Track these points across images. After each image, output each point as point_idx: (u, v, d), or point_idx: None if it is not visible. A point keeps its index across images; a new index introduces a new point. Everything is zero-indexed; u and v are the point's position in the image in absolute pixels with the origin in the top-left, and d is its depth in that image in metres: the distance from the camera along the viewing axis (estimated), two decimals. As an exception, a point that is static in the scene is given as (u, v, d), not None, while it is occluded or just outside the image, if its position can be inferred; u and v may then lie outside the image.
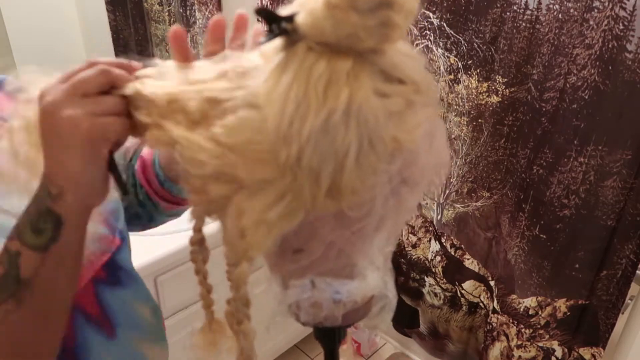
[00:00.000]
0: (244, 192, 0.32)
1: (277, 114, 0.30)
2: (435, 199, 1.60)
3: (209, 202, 0.35)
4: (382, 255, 0.40)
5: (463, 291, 1.65)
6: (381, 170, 0.32)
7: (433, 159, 0.36)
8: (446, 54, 1.41)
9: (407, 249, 1.76)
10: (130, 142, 0.43)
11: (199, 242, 0.41)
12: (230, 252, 0.35)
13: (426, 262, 1.73)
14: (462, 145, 1.47)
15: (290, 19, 0.31)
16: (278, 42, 0.32)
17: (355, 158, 0.31)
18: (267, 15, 0.31)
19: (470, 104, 1.40)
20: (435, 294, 1.74)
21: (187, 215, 0.40)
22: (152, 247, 1.39)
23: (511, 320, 1.49)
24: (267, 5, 1.67)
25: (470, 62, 1.37)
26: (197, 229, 0.41)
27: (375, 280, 0.41)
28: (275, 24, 0.31)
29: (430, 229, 1.67)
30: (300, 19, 0.31)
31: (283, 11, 0.32)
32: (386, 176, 0.33)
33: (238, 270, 0.35)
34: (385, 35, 0.31)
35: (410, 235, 1.73)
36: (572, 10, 1.13)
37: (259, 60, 0.33)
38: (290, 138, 0.30)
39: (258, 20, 0.32)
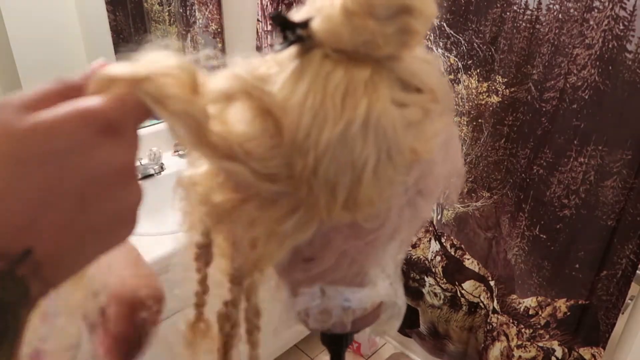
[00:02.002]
0: (254, 202, 0.32)
1: (292, 124, 0.29)
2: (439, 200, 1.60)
3: (215, 211, 0.34)
4: (393, 264, 0.40)
5: (463, 291, 1.66)
6: (398, 182, 0.32)
7: (448, 168, 0.35)
8: (446, 54, 1.41)
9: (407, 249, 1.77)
10: None
11: (205, 245, 0.40)
12: (240, 262, 0.35)
13: (426, 262, 1.73)
14: (462, 145, 1.47)
15: (305, 25, 0.30)
16: (292, 49, 0.31)
17: (373, 170, 0.30)
18: (281, 22, 0.30)
19: (470, 104, 1.40)
20: (435, 294, 1.74)
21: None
22: (152, 247, 1.38)
23: (511, 320, 1.50)
24: (267, 5, 1.67)
25: (470, 62, 1.37)
26: (204, 233, 0.40)
27: (385, 287, 0.40)
28: (290, 30, 0.30)
29: (430, 229, 1.67)
30: (316, 26, 0.30)
31: (297, 16, 0.32)
32: (403, 187, 0.32)
33: (249, 280, 0.35)
34: (404, 41, 0.30)
35: (413, 237, 1.73)
36: (572, 10, 1.13)
37: (273, 68, 0.33)
38: (306, 149, 0.29)
39: (273, 25, 0.32)
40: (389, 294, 0.41)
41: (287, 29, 0.30)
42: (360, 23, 0.29)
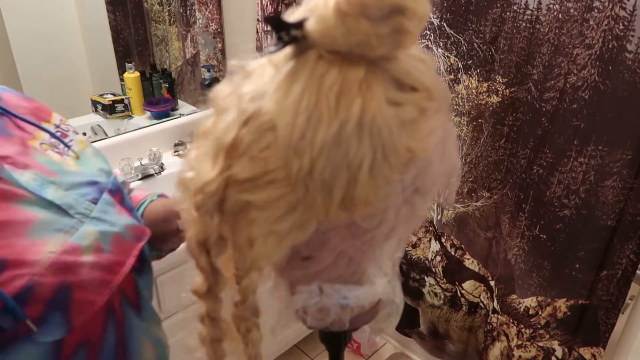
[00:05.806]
0: (254, 204, 0.32)
1: (288, 125, 0.29)
2: (436, 199, 1.60)
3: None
4: (390, 262, 0.40)
5: (463, 291, 1.66)
6: (395, 181, 0.32)
7: (445, 166, 0.35)
8: (446, 54, 1.41)
9: (407, 249, 1.76)
10: None
11: None
12: (239, 261, 0.35)
13: (426, 262, 1.73)
14: (462, 145, 1.47)
15: (299, 25, 0.30)
16: (288, 49, 0.31)
17: (369, 169, 0.30)
18: (276, 23, 0.30)
19: (470, 104, 1.40)
20: (435, 294, 1.74)
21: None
22: (152, 248, 1.38)
23: (511, 320, 1.50)
24: (267, 5, 1.67)
25: (470, 62, 1.37)
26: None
27: (383, 285, 0.40)
28: (285, 31, 0.30)
29: (430, 229, 1.67)
30: (310, 26, 0.30)
31: (291, 16, 0.31)
32: (400, 186, 0.32)
33: (247, 280, 0.35)
34: (398, 41, 0.30)
35: (410, 235, 1.73)
36: (572, 10, 1.13)
37: (269, 70, 0.32)
38: (302, 150, 0.29)
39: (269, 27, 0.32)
40: (386, 291, 0.41)
41: (281, 29, 0.30)
42: (353, 24, 0.29)
